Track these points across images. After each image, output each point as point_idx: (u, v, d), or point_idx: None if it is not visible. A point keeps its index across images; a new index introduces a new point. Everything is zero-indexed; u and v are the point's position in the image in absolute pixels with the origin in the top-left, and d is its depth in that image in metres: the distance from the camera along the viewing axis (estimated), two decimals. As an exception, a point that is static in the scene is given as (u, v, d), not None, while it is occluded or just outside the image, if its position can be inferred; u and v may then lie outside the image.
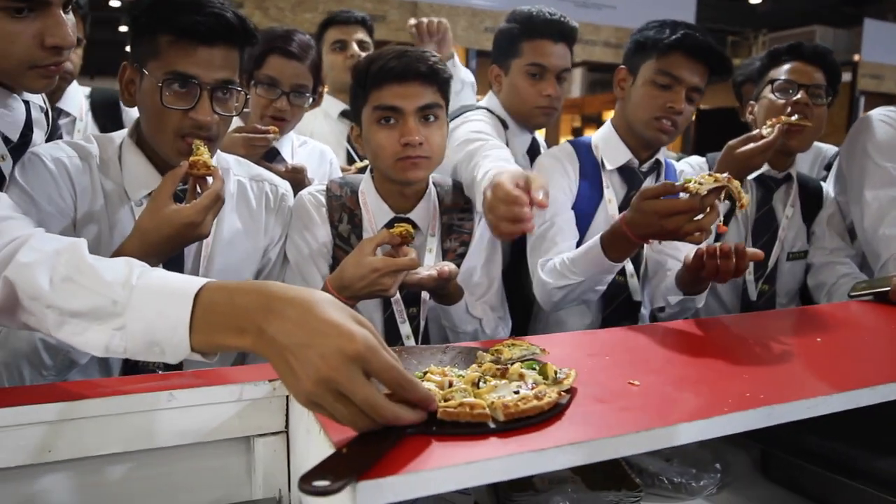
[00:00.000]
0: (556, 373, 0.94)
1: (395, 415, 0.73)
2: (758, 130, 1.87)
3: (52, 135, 2.20)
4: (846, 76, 12.17)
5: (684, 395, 0.95)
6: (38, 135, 1.38)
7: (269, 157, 2.00)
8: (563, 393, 0.89)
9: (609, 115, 2.01)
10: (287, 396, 1.00)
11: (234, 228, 1.50)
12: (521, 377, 0.94)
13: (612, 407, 0.90)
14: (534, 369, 0.96)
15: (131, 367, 1.38)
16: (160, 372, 1.29)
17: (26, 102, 1.31)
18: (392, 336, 1.52)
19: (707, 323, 1.46)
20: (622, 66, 1.89)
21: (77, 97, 2.36)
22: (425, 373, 0.95)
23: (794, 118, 1.92)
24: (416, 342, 1.52)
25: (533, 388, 0.88)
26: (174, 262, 1.39)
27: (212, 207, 1.24)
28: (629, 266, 1.82)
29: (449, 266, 1.36)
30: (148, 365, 1.36)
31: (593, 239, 1.57)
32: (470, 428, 0.80)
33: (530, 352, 1.04)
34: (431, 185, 1.62)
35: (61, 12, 1.14)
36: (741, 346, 1.22)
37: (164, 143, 1.33)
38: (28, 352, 1.18)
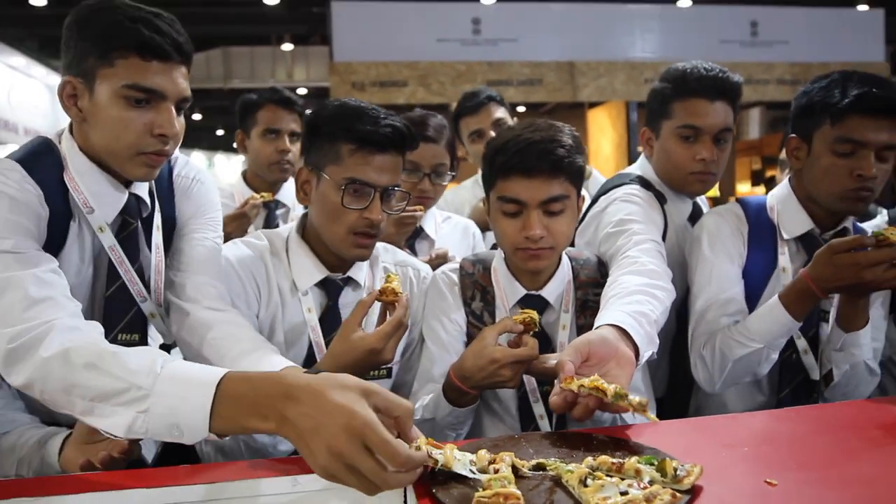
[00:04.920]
0: (675, 470, 0.87)
1: (397, 482, 0.82)
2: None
3: (270, 223, 2.52)
4: None
5: (831, 499, 0.84)
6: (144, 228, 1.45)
7: (414, 234, 2.10)
8: (678, 494, 0.82)
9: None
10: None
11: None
12: (638, 474, 0.88)
13: (738, 512, 0.81)
14: (652, 465, 0.90)
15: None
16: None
17: (139, 198, 1.40)
18: (525, 416, 1.50)
19: (882, 404, 1.27)
20: (793, 136, 1.68)
21: (292, 189, 2.66)
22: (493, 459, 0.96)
23: None
24: (550, 422, 1.48)
25: (645, 489, 0.82)
26: None
27: (394, 334, 1.33)
28: (801, 342, 1.62)
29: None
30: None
31: (770, 301, 1.52)
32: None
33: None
34: (566, 260, 1.59)
35: (173, 108, 1.30)
36: (918, 436, 1.05)
37: (336, 236, 1.47)
38: (231, 446, 1.35)
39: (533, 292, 1.54)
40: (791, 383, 1.65)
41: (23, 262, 1.16)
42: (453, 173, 2.13)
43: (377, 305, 1.41)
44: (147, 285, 1.41)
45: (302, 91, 11.70)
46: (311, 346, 1.51)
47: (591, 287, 1.57)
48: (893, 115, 1.52)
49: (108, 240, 1.35)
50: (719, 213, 1.77)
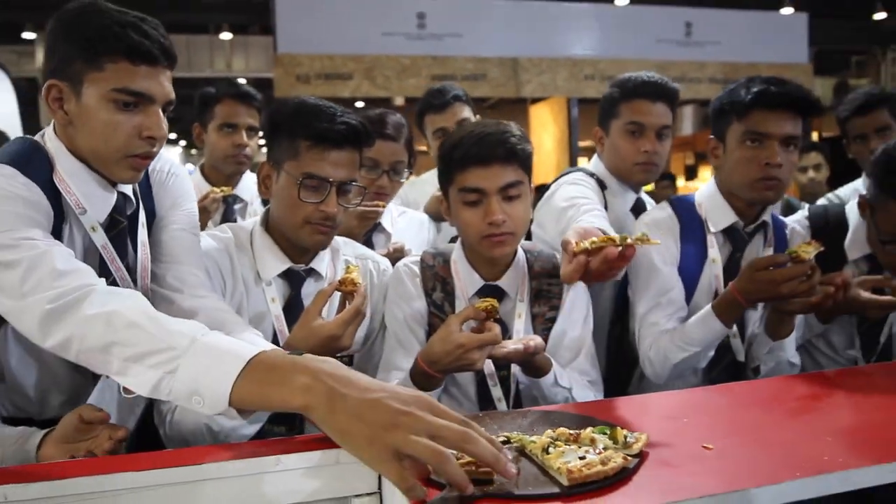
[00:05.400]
0: (625, 437, 0.98)
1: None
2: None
3: (227, 218, 2.53)
4: None
5: (758, 458, 0.96)
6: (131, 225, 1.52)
7: (371, 228, 2.17)
8: (629, 458, 0.93)
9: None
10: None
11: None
12: (593, 442, 0.99)
13: (680, 471, 0.93)
14: (605, 434, 1.01)
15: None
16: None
17: (125, 196, 1.43)
18: (484, 399, 1.59)
19: (800, 380, 1.43)
20: (711, 137, 1.87)
21: (250, 184, 2.68)
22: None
23: None
24: (508, 404, 1.58)
25: (600, 454, 0.93)
26: None
27: (352, 321, 1.40)
28: (732, 328, 1.78)
29: (535, 340, 1.42)
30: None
31: (703, 310, 1.70)
32: (539, 489, 0.87)
33: None
34: (520, 252, 1.69)
35: (160, 111, 1.33)
36: (831, 405, 1.20)
37: (294, 228, 1.55)
38: (194, 431, 1.38)
39: (490, 283, 1.64)
40: (719, 364, 1.82)
41: (49, 244, 1.20)
42: (410, 170, 2.21)
43: (337, 296, 1.48)
44: (134, 281, 1.44)
45: (241, 81, 11.49)
46: (275, 336, 1.57)
47: (544, 277, 1.68)
48: (793, 109, 1.72)
49: (101, 239, 1.37)
50: (652, 217, 1.94)
